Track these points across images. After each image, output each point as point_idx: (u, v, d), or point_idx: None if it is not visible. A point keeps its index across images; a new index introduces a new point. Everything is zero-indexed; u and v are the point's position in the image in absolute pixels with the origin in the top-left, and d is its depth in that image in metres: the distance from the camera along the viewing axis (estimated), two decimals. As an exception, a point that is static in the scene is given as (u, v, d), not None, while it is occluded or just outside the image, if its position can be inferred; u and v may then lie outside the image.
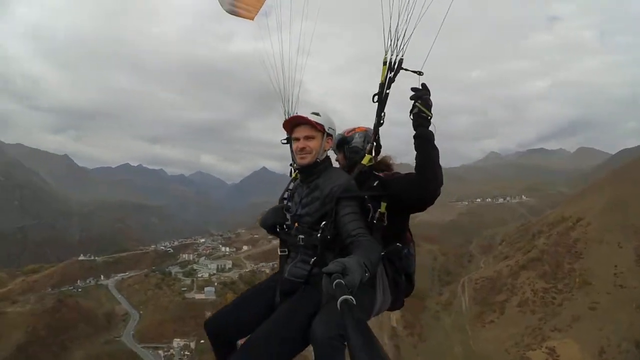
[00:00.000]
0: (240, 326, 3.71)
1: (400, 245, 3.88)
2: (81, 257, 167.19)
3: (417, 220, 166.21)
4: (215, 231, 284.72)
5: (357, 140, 4.21)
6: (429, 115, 3.59)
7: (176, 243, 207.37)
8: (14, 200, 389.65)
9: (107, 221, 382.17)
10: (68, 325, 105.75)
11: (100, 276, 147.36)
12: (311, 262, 3.65)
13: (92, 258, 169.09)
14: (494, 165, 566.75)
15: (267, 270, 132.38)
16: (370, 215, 3.69)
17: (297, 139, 3.84)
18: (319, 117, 3.83)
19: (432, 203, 3.69)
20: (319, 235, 3.62)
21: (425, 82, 3.65)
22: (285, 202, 4.19)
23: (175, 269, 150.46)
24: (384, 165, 4.19)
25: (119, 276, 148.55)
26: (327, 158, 3.99)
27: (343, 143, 4.30)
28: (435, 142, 3.59)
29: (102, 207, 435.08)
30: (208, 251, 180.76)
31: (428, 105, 3.59)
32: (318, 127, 3.79)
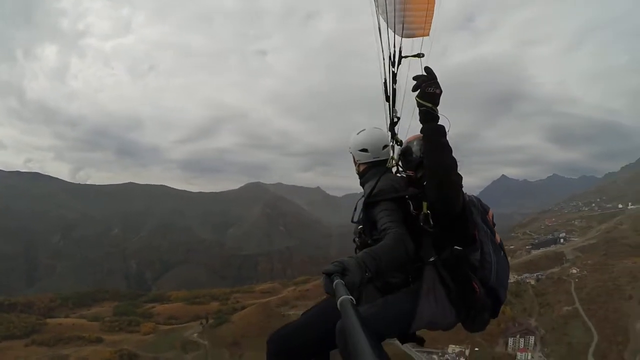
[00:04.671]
0: (308, 346, 3.57)
1: (459, 249, 3.42)
2: None
3: None
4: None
5: (415, 149, 3.98)
6: (430, 108, 3.29)
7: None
8: (280, 226, 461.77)
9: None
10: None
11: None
12: None
13: None
14: None
15: (532, 282, 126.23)
16: (414, 213, 3.56)
17: None
18: None
19: (448, 206, 3.35)
20: (357, 239, 3.86)
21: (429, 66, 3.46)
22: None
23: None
24: None
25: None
26: (374, 167, 4.18)
27: (403, 154, 4.16)
28: (444, 138, 3.31)
29: (354, 228, 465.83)
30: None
31: (426, 95, 3.29)
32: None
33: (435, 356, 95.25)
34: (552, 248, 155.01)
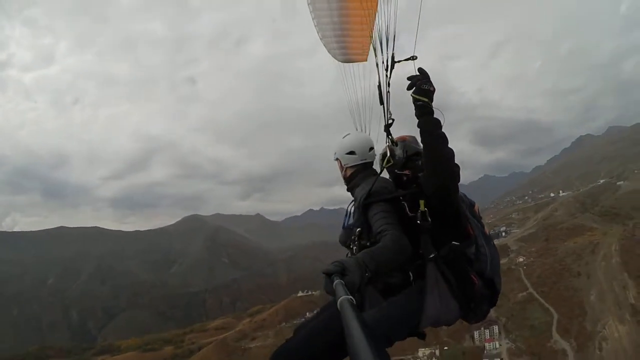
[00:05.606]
0: (316, 358, 3.51)
1: (457, 244, 3.56)
2: (300, 294, 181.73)
3: (623, 192, 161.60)
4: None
5: (398, 151, 4.16)
6: (426, 102, 3.50)
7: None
8: (223, 258, 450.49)
9: (307, 261, 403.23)
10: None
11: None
12: None
13: (310, 293, 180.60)
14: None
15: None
16: (409, 214, 3.63)
17: None
18: None
19: (448, 196, 3.51)
20: (355, 243, 3.80)
21: (422, 67, 3.65)
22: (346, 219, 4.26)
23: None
24: None
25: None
26: (363, 170, 4.24)
27: (385, 156, 4.27)
28: (441, 130, 3.49)
29: (299, 250, 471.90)
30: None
31: (422, 91, 3.50)
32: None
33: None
34: (496, 242, 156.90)
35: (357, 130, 5.11)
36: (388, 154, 4.08)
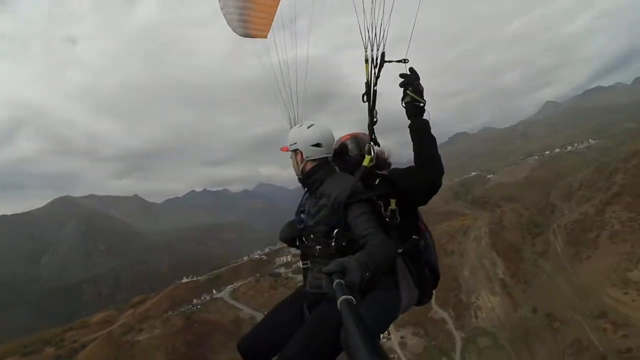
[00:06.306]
0: (273, 344, 3.66)
1: (416, 237, 3.77)
2: (184, 280, 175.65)
3: (492, 184, 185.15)
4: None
5: (351, 146, 4.19)
6: (422, 102, 3.59)
7: (267, 250, 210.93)
8: (100, 245, 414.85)
9: (190, 245, 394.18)
10: (203, 338, 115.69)
11: (212, 291, 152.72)
12: None
13: (195, 278, 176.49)
14: (554, 114, 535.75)
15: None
16: (383, 214, 3.66)
17: None
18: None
19: (435, 192, 3.63)
20: (333, 244, 3.70)
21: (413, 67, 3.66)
22: (299, 215, 4.14)
23: (282, 270, 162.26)
24: (381, 161, 4.15)
25: (229, 288, 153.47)
26: (325, 164, 4.03)
27: (337, 155, 4.22)
28: (431, 131, 3.59)
29: (182, 234, 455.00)
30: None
31: (419, 91, 3.58)
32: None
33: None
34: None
35: (289, 117, 5.20)
36: (373, 154, 3.98)
